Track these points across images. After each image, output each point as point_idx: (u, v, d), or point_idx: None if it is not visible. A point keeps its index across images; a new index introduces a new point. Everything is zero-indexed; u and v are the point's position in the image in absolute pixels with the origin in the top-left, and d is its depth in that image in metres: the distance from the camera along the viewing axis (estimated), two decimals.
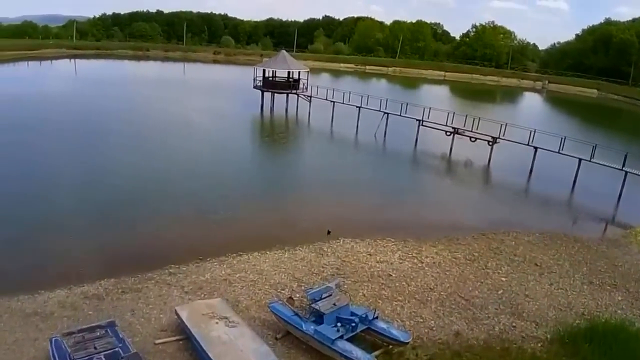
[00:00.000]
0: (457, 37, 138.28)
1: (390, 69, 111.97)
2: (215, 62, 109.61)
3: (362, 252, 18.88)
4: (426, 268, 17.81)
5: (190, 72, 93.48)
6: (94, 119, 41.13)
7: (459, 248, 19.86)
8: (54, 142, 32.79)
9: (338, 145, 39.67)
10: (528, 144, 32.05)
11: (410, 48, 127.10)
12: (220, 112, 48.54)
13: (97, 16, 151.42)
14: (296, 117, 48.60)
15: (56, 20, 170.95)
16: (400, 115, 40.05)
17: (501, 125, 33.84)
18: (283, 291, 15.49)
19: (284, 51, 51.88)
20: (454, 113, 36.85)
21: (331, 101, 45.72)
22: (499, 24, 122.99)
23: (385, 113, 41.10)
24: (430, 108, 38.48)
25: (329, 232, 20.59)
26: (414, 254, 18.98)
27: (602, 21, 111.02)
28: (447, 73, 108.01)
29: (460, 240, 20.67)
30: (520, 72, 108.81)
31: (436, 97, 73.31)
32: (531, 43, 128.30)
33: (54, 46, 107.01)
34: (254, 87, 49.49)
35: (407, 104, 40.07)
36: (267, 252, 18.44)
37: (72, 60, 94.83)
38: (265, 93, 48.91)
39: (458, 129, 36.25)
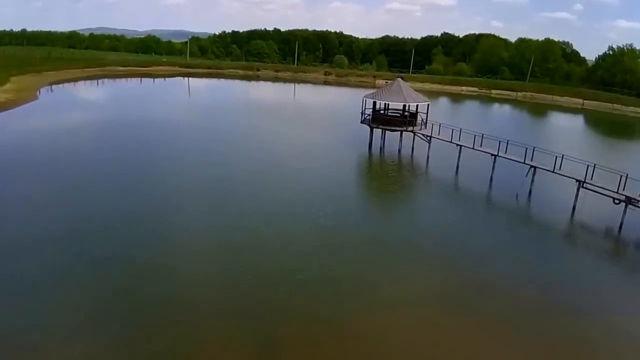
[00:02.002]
0: (588, 59, 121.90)
1: (519, 93, 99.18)
2: (325, 83, 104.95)
3: None
4: None
5: (298, 96, 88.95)
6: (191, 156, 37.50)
7: None
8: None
9: (466, 209, 29.72)
10: None
11: (540, 69, 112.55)
12: (322, 150, 41.60)
13: (218, 34, 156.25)
14: (411, 162, 40.17)
15: (181, 35, 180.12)
16: (553, 172, 30.47)
17: None
18: None
19: (400, 79, 42.93)
20: (627, 175, 26.95)
21: (457, 144, 36.88)
22: (637, 47, 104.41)
23: (532, 167, 31.86)
24: (595, 165, 28.68)
25: None
26: None
27: None
28: (585, 101, 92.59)
29: None
30: None
31: (574, 132, 62.89)
32: None
33: (166, 64, 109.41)
34: (362, 122, 42.62)
35: (562, 157, 30.34)
36: None
37: (185, 79, 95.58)
38: (375, 129, 41.88)
39: (632, 198, 26.58)
